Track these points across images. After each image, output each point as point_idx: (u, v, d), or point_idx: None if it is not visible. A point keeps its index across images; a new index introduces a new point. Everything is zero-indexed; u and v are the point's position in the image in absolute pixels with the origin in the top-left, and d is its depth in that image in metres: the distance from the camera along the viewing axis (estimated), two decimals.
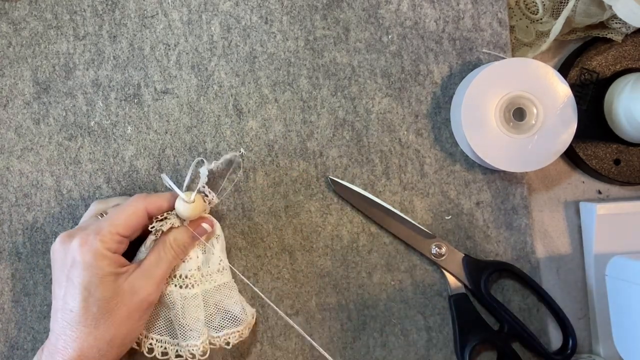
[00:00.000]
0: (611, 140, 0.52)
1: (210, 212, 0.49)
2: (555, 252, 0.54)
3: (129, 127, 0.52)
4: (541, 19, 0.53)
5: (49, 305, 0.51)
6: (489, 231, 0.52)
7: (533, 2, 0.53)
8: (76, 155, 0.52)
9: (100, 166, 0.52)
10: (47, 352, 0.43)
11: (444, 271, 0.51)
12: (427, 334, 0.52)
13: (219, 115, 0.52)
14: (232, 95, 0.52)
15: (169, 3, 0.52)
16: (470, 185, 0.52)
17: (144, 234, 0.47)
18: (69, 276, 0.42)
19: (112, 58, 0.52)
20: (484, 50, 0.53)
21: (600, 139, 0.52)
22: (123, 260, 0.44)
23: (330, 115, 0.52)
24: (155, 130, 0.52)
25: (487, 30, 0.52)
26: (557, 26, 0.50)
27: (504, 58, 0.52)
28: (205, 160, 0.47)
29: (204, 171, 0.47)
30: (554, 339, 0.52)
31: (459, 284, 0.51)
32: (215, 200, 0.48)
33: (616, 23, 0.51)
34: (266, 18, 0.52)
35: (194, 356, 0.46)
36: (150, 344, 0.46)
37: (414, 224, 0.51)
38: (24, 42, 0.52)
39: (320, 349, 0.46)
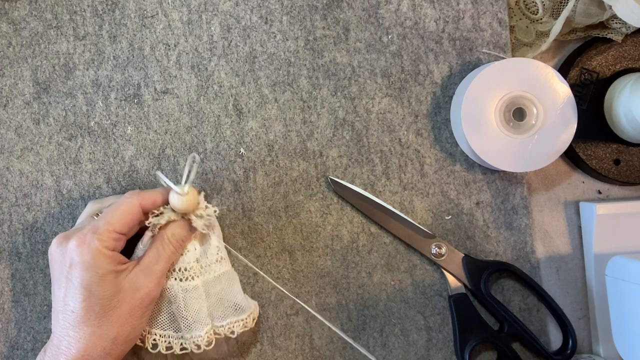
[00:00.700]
0: (611, 140, 0.52)
1: None
2: (555, 252, 0.54)
3: (129, 127, 0.52)
4: (541, 19, 0.53)
5: (49, 305, 0.51)
6: (489, 231, 0.52)
7: (533, 2, 0.53)
8: (76, 155, 0.52)
9: (100, 166, 0.52)
10: (49, 354, 0.42)
11: (444, 271, 0.51)
12: (427, 334, 0.52)
13: (219, 115, 0.52)
14: (232, 95, 0.52)
15: (169, 3, 0.52)
16: (470, 185, 0.52)
17: (141, 232, 0.47)
18: (68, 277, 0.42)
19: (112, 58, 0.52)
20: (484, 50, 0.53)
21: (600, 139, 0.52)
22: (122, 257, 0.44)
23: (330, 115, 0.52)
24: (155, 130, 0.52)
25: (487, 30, 0.52)
26: (557, 26, 0.50)
27: (504, 58, 0.52)
28: (197, 155, 0.46)
29: (194, 165, 0.46)
30: (554, 339, 0.52)
31: (459, 284, 0.51)
32: (213, 210, 0.47)
33: (616, 23, 0.51)
34: (266, 18, 0.52)
35: (199, 347, 0.46)
36: (154, 339, 0.46)
37: (414, 224, 0.51)
38: (24, 42, 0.52)
39: (355, 344, 0.46)
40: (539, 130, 0.49)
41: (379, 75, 0.52)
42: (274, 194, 0.52)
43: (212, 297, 0.47)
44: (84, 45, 0.52)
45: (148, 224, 0.45)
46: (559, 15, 0.51)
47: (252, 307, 0.49)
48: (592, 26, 0.53)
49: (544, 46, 0.52)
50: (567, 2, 0.50)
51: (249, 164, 0.52)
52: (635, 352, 0.48)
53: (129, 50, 0.52)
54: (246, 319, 0.48)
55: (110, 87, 0.52)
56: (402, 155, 0.52)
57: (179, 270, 0.46)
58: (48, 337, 0.50)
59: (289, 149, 0.52)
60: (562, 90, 0.49)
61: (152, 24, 0.52)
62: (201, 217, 0.46)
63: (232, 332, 0.47)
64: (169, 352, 0.47)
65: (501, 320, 0.51)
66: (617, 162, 0.52)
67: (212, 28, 0.52)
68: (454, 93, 0.52)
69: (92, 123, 0.52)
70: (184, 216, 0.46)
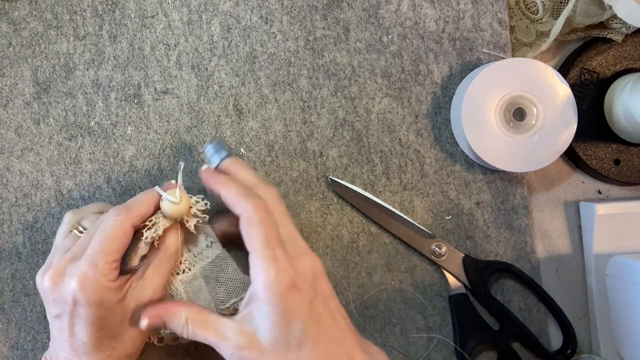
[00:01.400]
0: (611, 140, 0.52)
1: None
2: (555, 252, 0.54)
3: (129, 127, 0.52)
4: (541, 19, 0.53)
5: None
6: (489, 231, 0.52)
7: (533, 2, 0.53)
8: (76, 155, 0.52)
9: (100, 166, 0.52)
10: None
11: (444, 271, 0.51)
12: (427, 334, 0.52)
13: (219, 115, 0.52)
14: (232, 95, 0.52)
15: (169, 3, 0.52)
16: (470, 185, 0.52)
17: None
18: (73, 314, 0.41)
19: (112, 58, 0.52)
20: (484, 50, 0.53)
21: (600, 139, 0.52)
22: (122, 280, 0.43)
23: (330, 115, 0.52)
24: (155, 130, 0.52)
25: (487, 30, 0.52)
26: (557, 26, 0.50)
27: (504, 58, 0.52)
28: (182, 163, 0.46)
29: (180, 168, 0.46)
30: (554, 339, 0.52)
31: (459, 284, 0.51)
32: (204, 203, 0.47)
33: (616, 23, 0.51)
34: (266, 18, 0.52)
35: None
36: (160, 333, 0.46)
37: (414, 224, 0.51)
38: (24, 42, 0.52)
39: None
40: (539, 130, 0.49)
41: (379, 75, 0.52)
42: None
43: (212, 282, 0.47)
44: (84, 45, 0.52)
45: (146, 240, 0.44)
46: (559, 15, 0.51)
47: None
48: (592, 26, 0.53)
49: (544, 46, 0.52)
50: (567, 2, 0.50)
51: (249, 164, 0.52)
52: (635, 352, 0.48)
53: (129, 50, 0.52)
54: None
55: (110, 87, 0.52)
56: (402, 155, 0.52)
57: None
58: (48, 338, 0.50)
59: (289, 149, 0.52)
60: (562, 90, 0.49)
61: (152, 24, 0.52)
62: (194, 215, 0.46)
63: (236, 310, 0.47)
64: (175, 343, 0.46)
65: (501, 320, 0.51)
66: (617, 162, 0.52)
67: (212, 28, 0.52)
68: (454, 93, 0.52)
69: (92, 123, 0.52)
70: (177, 219, 0.46)
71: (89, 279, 0.40)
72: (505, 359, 0.51)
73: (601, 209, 0.51)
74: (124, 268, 0.44)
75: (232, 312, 0.47)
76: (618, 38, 0.52)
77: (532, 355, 0.51)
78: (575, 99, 0.49)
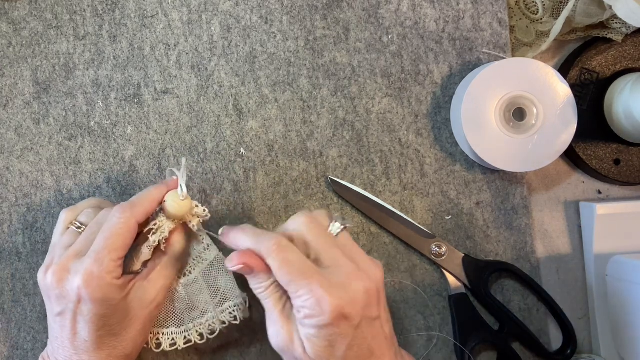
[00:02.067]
0: (611, 140, 0.52)
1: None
2: (555, 252, 0.54)
3: (129, 127, 0.52)
4: (541, 19, 0.53)
5: None
6: (489, 231, 0.52)
7: (533, 2, 0.53)
8: (76, 155, 0.52)
9: (100, 166, 0.52)
10: None
11: (444, 271, 0.51)
12: (427, 334, 0.52)
13: (219, 115, 0.52)
14: (232, 95, 0.52)
15: (169, 3, 0.52)
16: (470, 185, 0.52)
17: None
18: (77, 311, 0.41)
19: (112, 58, 0.52)
20: (484, 50, 0.53)
21: (600, 139, 0.52)
22: (126, 278, 0.43)
23: (330, 115, 0.52)
24: (155, 130, 0.52)
25: (487, 30, 0.52)
26: (557, 26, 0.50)
27: (504, 58, 0.52)
28: (175, 170, 0.45)
29: (183, 168, 0.46)
30: (554, 339, 0.52)
31: (459, 284, 0.51)
32: (203, 209, 0.47)
33: (616, 23, 0.51)
34: (266, 18, 0.52)
35: (202, 337, 0.46)
36: (157, 338, 0.46)
37: (414, 224, 0.51)
38: (24, 42, 0.52)
39: None
40: (539, 130, 0.49)
41: (379, 75, 0.52)
42: (274, 194, 0.52)
43: (212, 285, 0.47)
44: (84, 45, 0.52)
45: (149, 245, 0.44)
46: (559, 15, 0.51)
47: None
48: (592, 26, 0.53)
49: (544, 46, 0.52)
50: (567, 2, 0.50)
51: (249, 164, 0.52)
52: (635, 352, 0.48)
53: (129, 50, 0.52)
54: (245, 299, 0.47)
55: (110, 87, 0.52)
56: (402, 155, 0.52)
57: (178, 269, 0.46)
58: (48, 337, 0.50)
59: (289, 149, 0.52)
60: (562, 90, 0.49)
61: (152, 24, 0.52)
62: (196, 215, 0.46)
63: (235, 318, 0.47)
64: (172, 348, 0.46)
65: (501, 320, 0.51)
66: (617, 162, 0.52)
67: (212, 28, 0.52)
68: (454, 93, 0.52)
69: (92, 123, 0.52)
70: (179, 220, 0.46)
71: (94, 275, 0.40)
72: (505, 359, 0.51)
73: (601, 209, 0.51)
74: (126, 270, 0.44)
75: (231, 318, 0.47)
76: (618, 38, 0.52)
77: (532, 355, 0.51)
78: (575, 99, 0.49)
